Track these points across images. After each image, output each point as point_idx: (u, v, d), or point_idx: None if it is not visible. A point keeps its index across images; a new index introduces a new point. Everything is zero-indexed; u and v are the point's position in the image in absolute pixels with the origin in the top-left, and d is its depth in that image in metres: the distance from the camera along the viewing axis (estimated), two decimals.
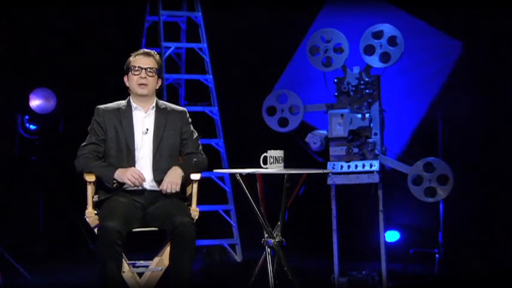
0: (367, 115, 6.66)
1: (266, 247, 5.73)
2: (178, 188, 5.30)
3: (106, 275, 5.01)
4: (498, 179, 7.72)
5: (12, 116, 8.51)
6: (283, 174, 5.66)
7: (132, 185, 5.24)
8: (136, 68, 5.37)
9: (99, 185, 5.35)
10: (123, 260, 5.13)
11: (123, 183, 5.28)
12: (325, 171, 6.15)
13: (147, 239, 5.46)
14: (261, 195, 5.82)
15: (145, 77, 5.37)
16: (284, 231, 5.76)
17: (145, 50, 5.49)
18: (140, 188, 5.29)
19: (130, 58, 5.43)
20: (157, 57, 5.46)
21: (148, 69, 5.37)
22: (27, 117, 8.53)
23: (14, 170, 8.72)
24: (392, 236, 7.96)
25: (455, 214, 7.57)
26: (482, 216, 7.77)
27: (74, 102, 8.54)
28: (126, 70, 5.43)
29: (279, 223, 5.75)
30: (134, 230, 5.25)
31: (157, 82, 5.43)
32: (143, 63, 5.38)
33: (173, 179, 5.28)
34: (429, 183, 6.58)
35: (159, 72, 5.43)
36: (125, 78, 5.44)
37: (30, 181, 8.72)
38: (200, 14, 8.49)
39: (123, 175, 5.23)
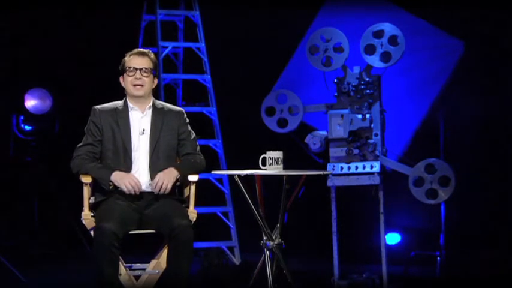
0: (367, 116, 6.64)
1: (265, 249, 5.74)
2: (169, 187, 5.21)
3: (102, 278, 4.97)
4: (500, 181, 7.69)
5: (7, 117, 8.46)
6: (282, 176, 5.65)
7: (128, 192, 5.17)
8: (131, 69, 5.32)
9: (95, 186, 5.31)
10: (120, 262, 5.10)
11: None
12: (325, 172, 6.17)
13: (144, 241, 5.40)
14: (260, 197, 5.81)
15: (140, 78, 5.32)
16: (283, 234, 5.73)
17: (140, 49, 5.44)
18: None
19: (125, 58, 5.39)
20: (153, 56, 5.40)
21: (144, 70, 5.32)
22: (22, 117, 8.48)
23: (9, 172, 8.66)
24: (393, 239, 7.92)
25: (457, 216, 7.53)
26: (484, 218, 7.74)
27: (70, 102, 8.48)
28: (121, 70, 5.37)
29: (278, 225, 5.75)
30: (131, 232, 5.21)
31: (153, 82, 5.38)
32: (138, 63, 5.32)
33: (165, 176, 5.20)
34: (430, 184, 6.57)
35: (154, 72, 5.37)
36: (121, 79, 5.40)
37: (26, 183, 8.67)
38: (198, 13, 8.46)
39: (120, 180, 5.17)
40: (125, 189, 5.17)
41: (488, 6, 7.36)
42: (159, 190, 5.20)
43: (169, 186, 5.22)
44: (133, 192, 5.17)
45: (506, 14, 7.40)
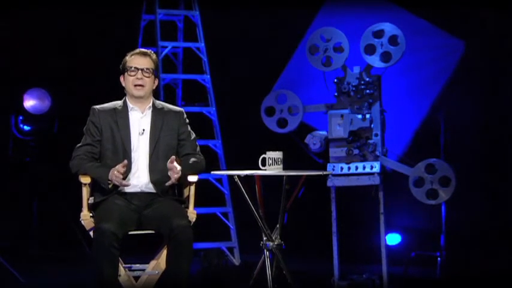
0: (367, 116, 6.62)
1: (265, 250, 5.73)
2: (174, 176, 5.18)
3: (102, 278, 4.95)
4: (500, 181, 7.67)
5: (6, 117, 8.45)
6: (282, 176, 5.63)
7: (120, 184, 5.13)
8: (133, 69, 5.30)
9: (94, 187, 5.29)
10: (119, 263, 5.08)
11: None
12: (324, 172, 6.16)
13: (144, 241, 5.38)
14: (260, 197, 5.80)
15: (141, 78, 5.31)
16: (283, 234, 5.71)
17: (142, 49, 5.43)
18: (127, 181, 5.18)
19: (126, 58, 5.37)
20: (154, 56, 5.39)
21: (145, 70, 5.30)
22: (21, 117, 8.46)
23: (8, 172, 8.64)
24: (393, 239, 7.91)
25: (457, 216, 7.51)
26: (484, 219, 7.72)
27: (69, 102, 8.46)
28: (122, 70, 5.36)
29: (277, 226, 5.73)
30: (130, 232, 5.19)
31: (154, 82, 5.36)
32: (139, 63, 5.31)
33: (179, 173, 5.18)
34: (431, 185, 6.55)
35: (155, 73, 5.36)
36: (121, 78, 5.38)
37: (25, 183, 8.65)
38: (197, 12, 8.44)
39: (112, 176, 5.14)
40: (115, 182, 5.12)
41: (488, 6, 7.35)
42: (174, 174, 5.16)
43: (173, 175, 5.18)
44: (119, 180, 5.09)
45: (506, 14, 7.39)
